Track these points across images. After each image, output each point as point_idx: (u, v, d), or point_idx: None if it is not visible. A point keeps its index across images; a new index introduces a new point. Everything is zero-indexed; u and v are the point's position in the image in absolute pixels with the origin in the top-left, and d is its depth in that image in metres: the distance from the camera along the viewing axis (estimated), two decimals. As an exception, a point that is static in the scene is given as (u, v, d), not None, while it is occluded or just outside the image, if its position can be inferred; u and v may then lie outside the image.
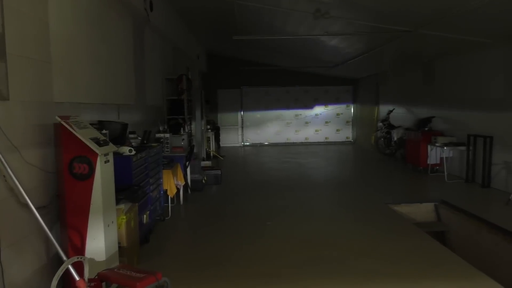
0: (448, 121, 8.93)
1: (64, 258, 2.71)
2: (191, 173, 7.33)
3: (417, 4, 6.06)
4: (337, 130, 16.43)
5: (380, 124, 12.59)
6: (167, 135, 6.94)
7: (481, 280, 3.71)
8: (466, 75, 8.26)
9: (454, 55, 8.62)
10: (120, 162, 3.88)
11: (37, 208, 2.75)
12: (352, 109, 16.31)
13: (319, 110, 16.26)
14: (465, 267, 4.02)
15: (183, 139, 7.31)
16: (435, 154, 8.77)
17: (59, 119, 3.09)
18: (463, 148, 8.12)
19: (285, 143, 16.29)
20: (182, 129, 7.77)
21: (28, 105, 3.08)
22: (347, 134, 16.50)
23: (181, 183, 6.39)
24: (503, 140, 7.08)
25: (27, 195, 2.69)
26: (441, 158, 8.61)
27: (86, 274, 2.77)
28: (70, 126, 3.07)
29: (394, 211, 6.18)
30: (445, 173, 8.23)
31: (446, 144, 8.30)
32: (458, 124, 8.56)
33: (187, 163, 6.93)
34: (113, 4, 5.27)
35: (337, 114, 16.32)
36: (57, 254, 2.80)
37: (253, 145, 16.24)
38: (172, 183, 5.89)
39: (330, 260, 4.24)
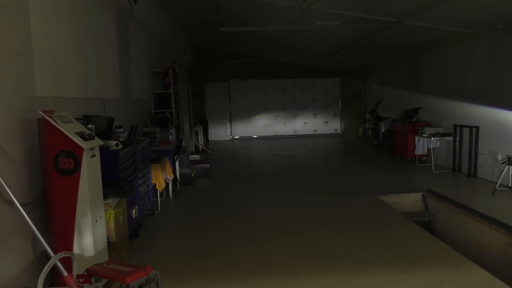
0: (434, 111, 9.02)
1: (52, 254, 2.67)
2: (179, 167, 7.28)
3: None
4: (326, 123, 16.50)
5: (368, 115, 12.67)
6: (155, 129, 6.87)
7: (468, 268, 3.77)
8: (452, 66, 8.34)
9: (440, 46, 8.69)
10: (107, 157, 3.82)
11: (22, 205, 2.70)
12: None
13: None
14: (453, 255, 4.08)
15: (171, 133, 7.25)
16: (422, 144, 8.85)
17: (42, 114, 3.01)
18: (449, 138, 8.22)
19: (274, 136, 16.30)
20: (169, 123, 7.70)
21: (9, 100, 3.00)
22: (335, 126, 16.58)
23: (170, 177, 6.33)
24: (489, 130, 7.18)
25: (12, 192, 2.64)
26: (428, 149, 8.72)
27: (75, 270, 2.74)
28: (54, 121, 3.00)
29: (382, 201, 6.24)
30: (432, 164, 8.33)
31: (433, 135, 8.39)
32: (444, 115, 8.65)
33: (176, 157, 6.88)
34: (97, -4, 5.16)
35: (325, 107, 16.38)
36: (45, 251, 2.76)
37: (242, 139, 16.21)
38: (161, 177, 5.84)
39: (320, 249, 4.27)
